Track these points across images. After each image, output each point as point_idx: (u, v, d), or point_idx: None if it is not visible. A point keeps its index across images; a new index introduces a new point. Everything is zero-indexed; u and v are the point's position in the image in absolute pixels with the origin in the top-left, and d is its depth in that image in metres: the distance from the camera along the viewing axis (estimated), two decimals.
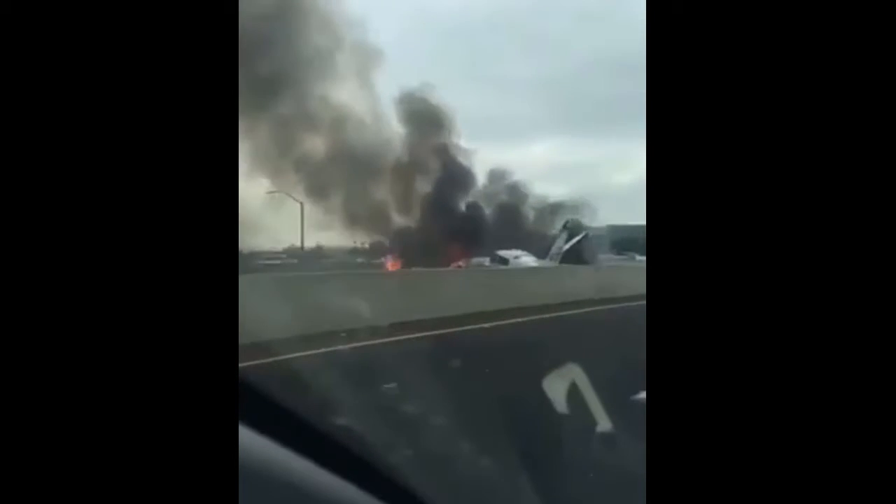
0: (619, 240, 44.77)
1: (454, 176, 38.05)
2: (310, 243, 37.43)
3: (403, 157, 37.47)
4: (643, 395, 4.27)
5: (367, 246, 37.97)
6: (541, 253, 32.51)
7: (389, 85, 39.13)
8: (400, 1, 75.66)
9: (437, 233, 33.99)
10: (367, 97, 35.51)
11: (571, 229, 35.64)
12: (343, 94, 34.15)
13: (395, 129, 37.57)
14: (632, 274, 18.66)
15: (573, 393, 4.17)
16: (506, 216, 38.99)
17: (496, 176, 40.95)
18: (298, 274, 16.06)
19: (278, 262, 32.61)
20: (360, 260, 34.88)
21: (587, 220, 38.99)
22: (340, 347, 7.58)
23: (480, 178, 40.39)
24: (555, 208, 40.41)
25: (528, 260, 29.88)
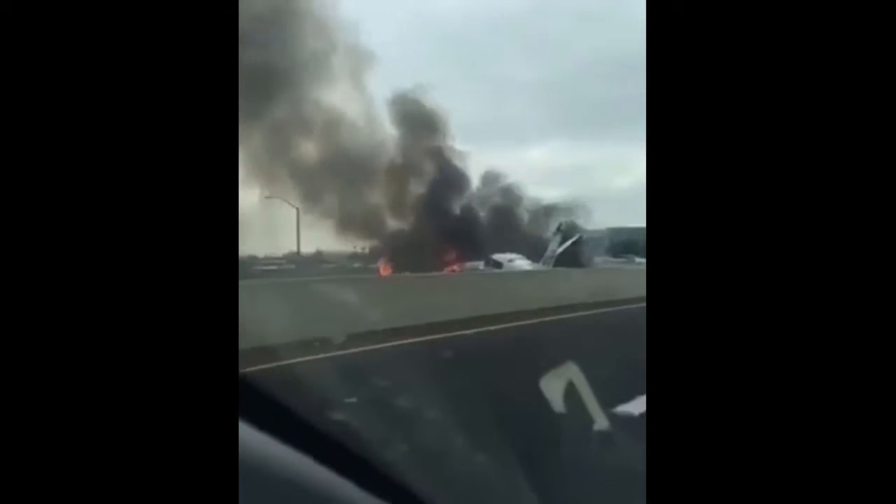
0: (619, 242, 44.74)
1: (448, 179, 37.89)
2: (309, 249, 37.40)
3: (397, 160, 37.37)
4: (628, 406, 4.29)
5: (366, 250, 37.82)
6: (536, 256, 32.52)
7: (387, 88, 39.02)
8: (398, 3, 75.58)
9: (431, 236, 33.90)
10: (361, 100, 35.50)
11: (565, 232, 35.61)
12: (338, 97, 34.11)
13: (389, 132, 37.53)
14: (629, 276, 18.63)
15: (570, 392, 4.18)
16: (500, 219, 38.85)
17: (490, 179, 40.86)
18: (291, 280, 16.00)
19: (275, 267, 32.51)
20: (357, 265, 34.74)
21: (582, 222, 39.04)
22: (323, 355, 7.48)
23: (475, 181, 40.43)
24: (549, 210, 40.36)
25: (522, 263, 29.92)
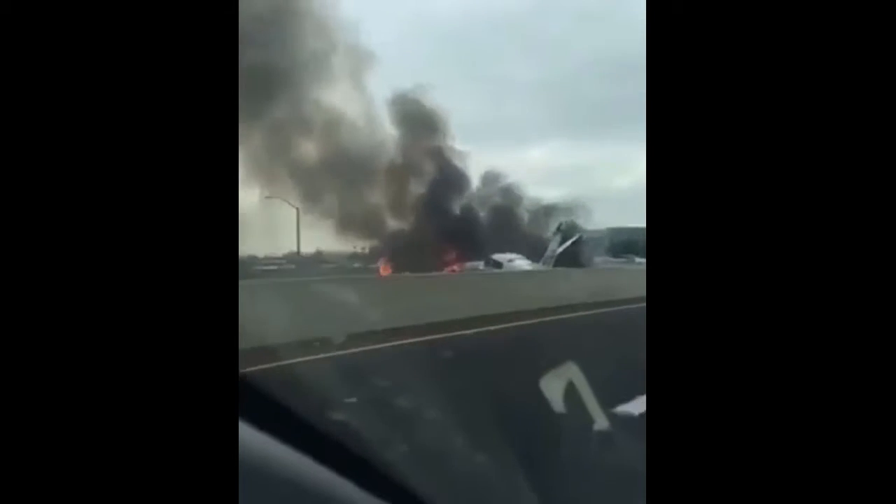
0: (619, 242, 44.71)
1: (448, 179, 37.78)
2: (309, 249, 37.34)
3: (397, 161, 37.27)
4: (629, 406, 4.28)
5: (366, 251, 37.76)
6: (536, 256, 32.50)
7: (388, 88, 38.86)
8: (399, 3, 75.52)
9: (431, 236, 33.83)
10: (361, 100, 35.45)
11: (565, 232, 35.57)
12: (338, 97, 34.06)
13: (389, 132, 37.46)
14: (630, 276, 18.58)
15: (570, 392, 4.18)
16: (500, 219, 38.75)
17: (490, 179, 40.73)
18: (290, 280, 15.95)
19: (275, 267, 32.47)
20: (357, 265, 34.66)
21: (582, 222, 38.98)
22: (322, 356, 7.45)
23: (475, 181, 40.36)
24: (549, 210, 40.25)
25: (521, 263, 29.90)
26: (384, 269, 30.51)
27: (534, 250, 33.38)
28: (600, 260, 35.06)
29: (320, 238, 36.69)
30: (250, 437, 0.78)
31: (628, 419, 4.31)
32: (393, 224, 37.10)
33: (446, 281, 16.57)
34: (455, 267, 31.15)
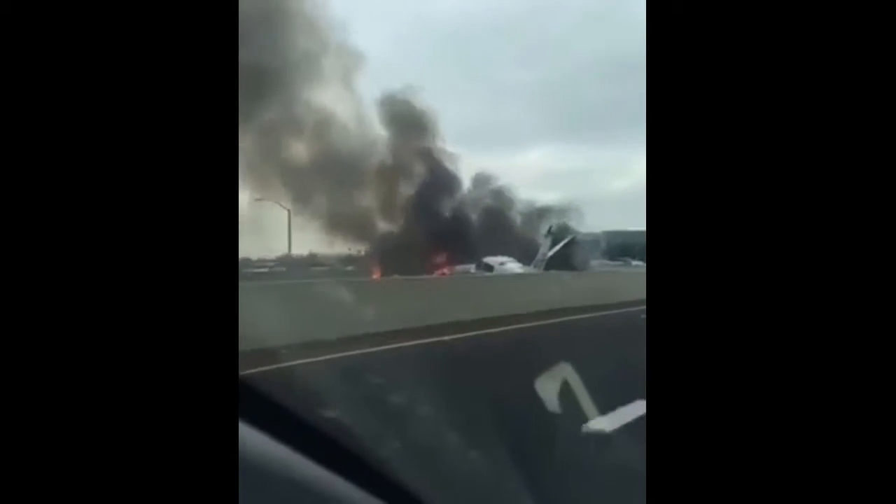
0: (615, 245, 44.82)
1: (438, 180, 37.57)
2: (301, 251, 37.20)
3: (387, 162, 37.12)
4: (595, 423, 4.25)
5: (362, 253, 37.56)
6: (528, 259, 32.39)
7: (383, 90, 38.57)
8: (398, 5, 75.48)
9: (422, 239, 33.70)
10: (353, 102, 35.36)
11: (556, 234, 35.47)
12: (329, 98, 33.94)
13: (380, 133, 37.35)
14: (625, 280, 18.56)
15: (565, 392, 4.18)
16: (491, 221, 38.48)
17: (481, 181, 40.47)
18: (279, 283, 15.79)
19: (266, 270, 32.35)
20: (350, 267, 34.51)
21: (576, 224, 38.88)
22: (302, 361, 7.32)
23: (466, 183, 40.26)
24: (542, 212, 40.02)
25: (513, 266, 29.78)
26: (374, 272, 30.34)
27: (526, 253, 33.25)
28: (596, 263, 35.05)
29: (312, 240, 36.60)
30: (248, 436, 0.78)
31: (600, 437, 4.26)
32: (383, 226, 37.00)
33: (432, 285, 16.45)
34: (445, 270, 31.08)
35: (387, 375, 6.61)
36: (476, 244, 34.08)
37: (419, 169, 37.68)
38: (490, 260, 30.62)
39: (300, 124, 33.33)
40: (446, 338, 9.57)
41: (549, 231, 35.34)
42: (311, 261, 37.29)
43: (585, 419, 4.24)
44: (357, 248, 37.17)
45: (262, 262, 34.53)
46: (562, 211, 39.56)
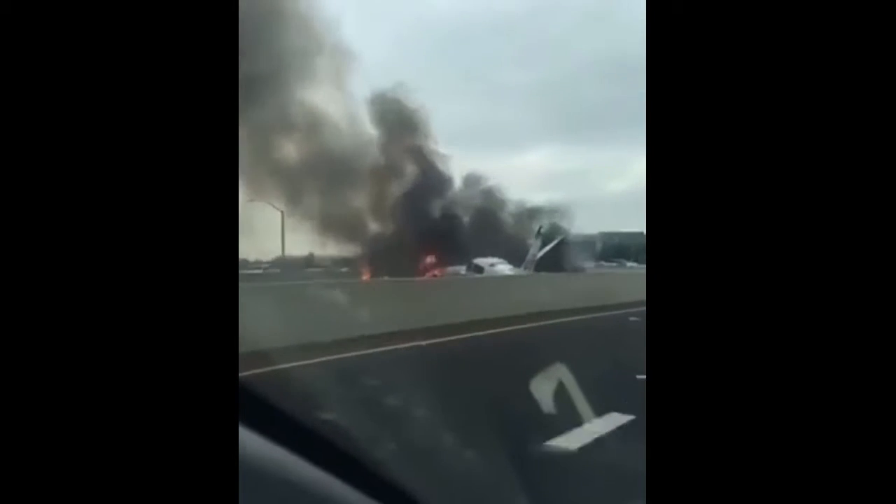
0: (611, 246, 44.94)
1: (429, 181, 37.35)
2: (294, 252, 36.94)
3: (377, 162, 36.86)
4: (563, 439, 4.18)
5: (355, 254, 37.19)
6: (519, 260, 32.32)
7: (374, 89, 38.32)
8: (397, 6, 75.35)
9: (412, 240, 33.60)
10: (346, 102, 35.18)
11: (546, 235, 35.40)
12: (323, 99, 33.76)
13: (372, 133, 37.12)
14: (619, 281, 18.52)
15: (560, 392, 4.17)
16: (482, 222, 38.24)
17: (471, 181, 40.11)
18: (269, 284, 15.67)
19: (260, 271, 32.21)
20: (345, 269, 34.35)
21: (567, 225, 38.75)
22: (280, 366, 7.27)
23: (458, 184, 40.04)
24: (533, 213, 39.75)
25: (503, 268, 29.67)
26: (364, 273, 30.19)
27: (517, 254, 33.17)
28: (591, 264, 34.97)
29: (305, 241, 36.38)
30: (244, 438, 0.78)
31: (565, 455, 4.14)
32: (374, 227, 36.80)
33: (425, 287, 16.40)
34: (436, 271, 31.03)
35: (381, 377, 6.57)
36: (467, 245, 33.96)
37: (410, 169, 37.48)
38: (480, 261, 30.51)
39: (294, 125, 33.18)
40: (439, 340, 9.56)
41: (539, 232, 35.16)
42: (306, 262, 37.11)
43: (580, 420, 4.25)
44: (353, 250, 36.93)
45: (256, 264, 34.37)
46: (553, 211, 39.45)
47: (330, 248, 36.49)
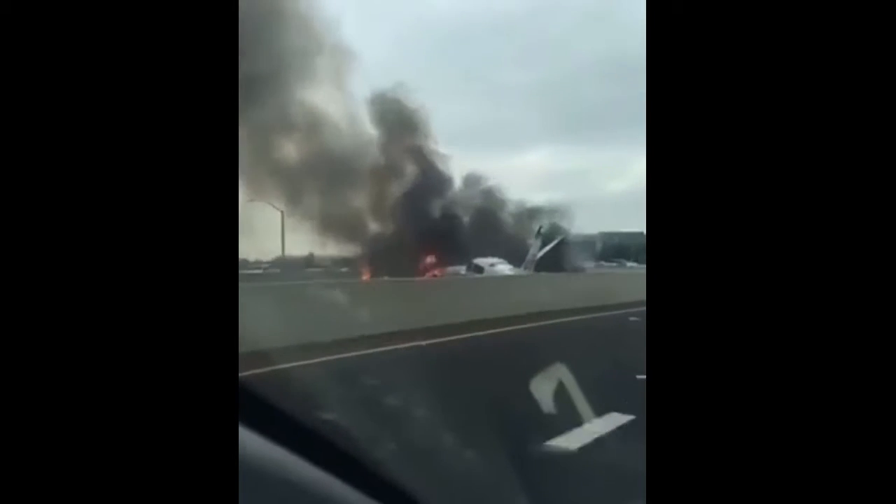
0: (611, 246, 44.88)
1: (430, 181, 37.19)
2: (294, 252, 36.84)
3: (377, 162, 36.70)
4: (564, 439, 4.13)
5: (355, 254, 36.98)
6: (519, 260, 32.23)
7: (374, 89, 38.17)
8: (397, 6, 75.29)
9: (412, 240, 33.50)
10: (347, 102, 35.09)
11: (545, 235, 35.30)
12: (323, 99, 33.67)
13: (372, 133, 37.00)
14: (619, 281, 18.43)
15: (560, 392, 4.15)
16: (482, 222, 38.08)
17: (472, 181, 39.98)
18: (271, 284, 15.58)
19: (260, 271, 32.15)
20: (345, 269, 34.26)
21: (567, 225, 38.63)
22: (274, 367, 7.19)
23: (458, 184, 39.91)
24: (533, 213, 39.61)
25: (503, 268, 29.59)
26: (365, 274, 30.09)
27: (517, 254, 33.07)
28: (591, 264, 34.84)
29: (305, 241, 36.26)
30: (244, 438, 0.78)
31: (564, 455, 4.09)
32: (374, 227, 36.70)
33: (426, 287, 16.34)
34: (436, 271, 30.98)
35: (380, 377, 6.53)
36: (467, 245, 33.87)
37: (410, 169, 37.36)
38: (480, 261, 30.41)
39: (294, 125, 33.10)
40: (438, 340, 9.52)
41: (539, 232, 35.04)
42: (307, 262, 37.02)
43: (580, 420, 4.23)
44: (349, 250, 36.80)
45: (257, 264, 34.29)
46: (552, 211, 39.30)
47: (330, 249, 36.43)
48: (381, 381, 6.01)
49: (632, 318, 12.83)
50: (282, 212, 33.46)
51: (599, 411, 4.71)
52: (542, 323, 12.30)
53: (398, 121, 36.73)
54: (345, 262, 35.53)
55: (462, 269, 30.59)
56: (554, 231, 37.02)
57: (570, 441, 4.30)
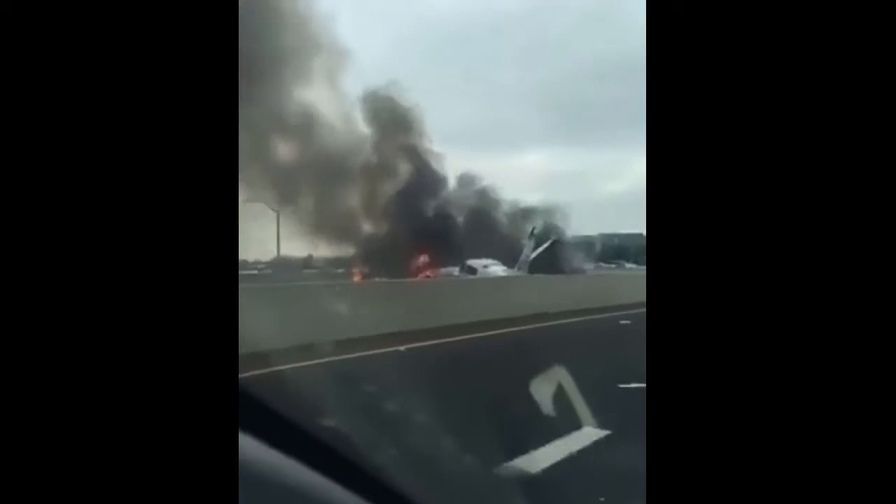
0: (610, 247, 44.96)
1: (423, 180, 36.94)
2: (293, 253, 36.65)
3: (371, 161, 36.42)
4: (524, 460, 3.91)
5: (348, 255, 36.68)
6: (513, 261, 31.98)
7: (366, 87, 37.91)
8: (397, 6, 75.33)
9: (406, 240, 33.29)
10: (343, 101, 35.00)
11: (539, 236, 35.03)
12: (319, 98, 33.55)
13: (366, 132, 36.76)
14: (616, 283, 18.28)
15: (559, 394, 4.02)
16: (476, 222, 37.65)
17: (466, 181, 39.55)
18: (266, 286, 15.38)
19: (255, 272, 32.00)
20: (341, 270, 34.02)
21: (562, 225, 38.34)
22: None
23: (452, 184, 39.58)
24: (527, 213, 39.03)
25: (496, 269, 29.26)
26: (358, 276, 29.79)
27: (511, 255, 32.79)
28: (591, 265, 34.66)
29: (300, 242, 36.01)
30: (248, 444, 0.78)
31: (523, 477, 3.64)
32: (367, 227, 36.46)
33: (410, 289, 16.11)
34: (429, 272, 30.82)
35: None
36: (461, 246, 33.55)
37: (404, 168, 37.08)
38: (473, 263, 30.05)
39: (290, 125, 32.94)
40: (416, 345, 9.34)
41: (532, 233, 34.71)
42: (303, 263, 36.82)
43: (579, 423, 4.09)
44: (342, 250, 36.52)
45: (254, 265, 34.15)
46: (547, 211, 38.86)
47: (322, 249, 36.21)
48: (346, 391, 5.81)
49: (622, 322, 12.72)
50: (277, 212, 33.30)
51: (571, 427, 4.32)
52: (528, 327, 12.10)
53: (392, 119, 36.42)
54: (338, 262, 35.25)
55: (455, 271, 30.30)
56: (548, 231, 36.71)
57: (533, 462, 3.86)
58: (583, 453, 4.09)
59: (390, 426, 3.82)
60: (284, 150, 33.71)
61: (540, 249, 33.23)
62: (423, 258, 33.01)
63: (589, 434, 4.38)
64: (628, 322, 12.55)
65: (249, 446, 0.78)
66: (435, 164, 37.66)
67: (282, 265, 34.52)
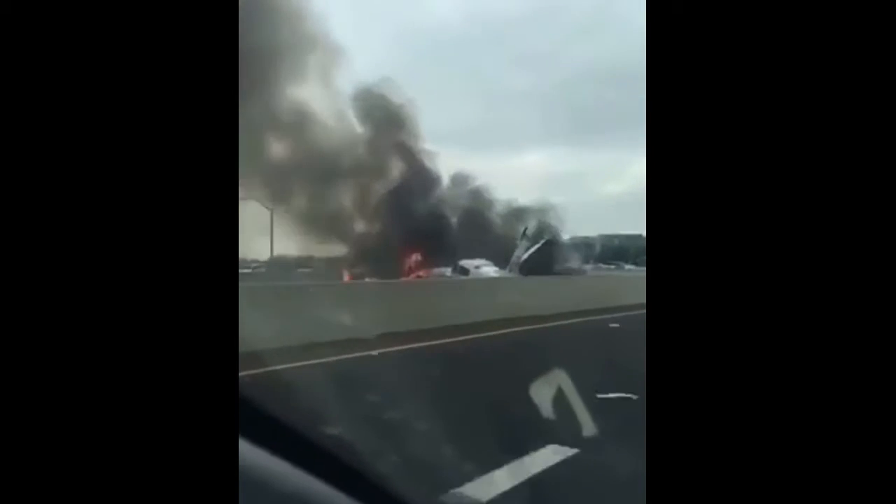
0: (610, 248, 44.98)
1: (416, 179, 36.69)
2: (286, 252, 36.41)
3: (363, 160, 36.19)
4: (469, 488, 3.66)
5: (341, 254, 36.40)
6: (507, 262, 31.74)
7: (358, 84, 37.64)
8: (397, 8, 75.35)
9: (398, 240, 33.07)
10: (337, 100, 34.86)
11: (532, 236, 34.74)
12: (314, 97, 33.40)
13: (358, 131, 36.55)
14: (613, 285, 18.10)
15: (559, 398, 3.90)
16: (470, 222, 37.36)
17: (459, 180, 39.23)
18: (257, 285, 15.08)
19: (249, 270, 31.83)
20: (331, 270, 33.63)
21: (557, 225, 38.09)
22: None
23: (445, 183, 39.29)
24: (520, 213, 38.74)
25: (488, 270, 28.98)
26: (348, 276, 29.49)
27: (504, 256, 32.57)
28: (589, 266, 34.48)
29: (293, 241, 35.75)
30: (247, 450, 0.78)
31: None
32: (359, 226, 36.21)
33: (401, 289, 15.87)
34: (422, 273, 30.60)
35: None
36: (454, 246, 33.27)
37: (397, 166, 36.85)
38: (466, 263, 29.73)
39: (283, 123, 32.75)
40: (396, 348, 9.11)
41: (524, 233, 34.41)
42: (297, 262, 36.59)
43: (579, 426, 3.94)
44: (334, 250, 36.22)
45: (249, 263, 33.99)
46: (541, 211, 38.62)
47: (313, 248, 35.92)
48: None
49: (612, 325, 12.53)
50: (271, 210, 33.05)
51: (537, 443, 3.91)
52: (516, 329, 11.83)
53: (385, 117, 36.14)
54: (330, 261, 34.94)
55: (448, 271, 30.03)
56: (542, 231, 36.40)
57: (483, 488, 3.23)
58: (542, 476, 3.62)
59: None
60: (278, 148, 33.57)
61: (532, 250, 32.94)
62: (416, 258, 32.78)
63: (552, 453, 3.94)
64: (617, 325, 12.35)
65: (242, 446, 0.78)
66: (428, 163, 37.47)
67: (276, 264, 34.32)
